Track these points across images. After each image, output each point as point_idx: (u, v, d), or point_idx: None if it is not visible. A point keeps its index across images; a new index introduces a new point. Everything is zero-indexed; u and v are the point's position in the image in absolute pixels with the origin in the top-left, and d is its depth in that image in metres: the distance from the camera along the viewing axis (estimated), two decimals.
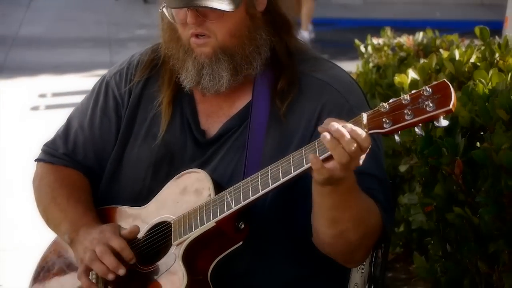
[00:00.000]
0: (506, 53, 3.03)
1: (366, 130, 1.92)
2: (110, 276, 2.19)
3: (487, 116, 2.59)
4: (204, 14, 2.22)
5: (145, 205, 2.33)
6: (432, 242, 2.94)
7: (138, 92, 2.44)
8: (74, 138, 2.48)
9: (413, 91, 1.90)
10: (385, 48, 4.53)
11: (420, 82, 3.10)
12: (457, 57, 3.18)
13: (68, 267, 2.40)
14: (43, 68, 9.69)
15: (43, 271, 2.45)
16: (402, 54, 4.24)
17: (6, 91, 8.62)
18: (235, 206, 2.10)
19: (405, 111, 1.88)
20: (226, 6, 2.19)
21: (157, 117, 2.39)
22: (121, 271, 2.19)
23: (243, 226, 2.15)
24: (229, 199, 2.11)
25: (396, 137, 1.93)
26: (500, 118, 2.55)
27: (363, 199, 2.13)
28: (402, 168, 3.32)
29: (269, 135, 2.28)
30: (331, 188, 2.01)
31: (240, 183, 2.11)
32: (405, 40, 4.38)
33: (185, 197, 2.24)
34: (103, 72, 2.62)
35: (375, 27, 6.09)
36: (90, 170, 2.47)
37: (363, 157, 1.96)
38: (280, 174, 2.03)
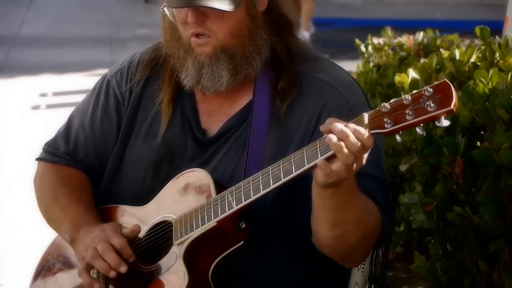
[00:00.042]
0: (506, 53, 3.03)
1: (367, 130, 1.92)
2: (112, 273, 2.19)
3: (488, 115, 2.59)
4: (204, 13, 2.22)
5: (146, 205, 2.33)
6: (432, 241, 2.94)
7: (139, 91, 2.44)
8: (75, 137, 2.49)
9: (414, 91, 1.90)
10: (386, 47, 4.53)
11: (420, 82, 3.10)
12: (458, 56, 3.18)
13: (69, 266, 2.40)
14: (44, 67, 9.70)
15: (44, 270, 2.45)
16: (403, 53, 4.24)
17: (7, 90, 8.63)
18: (236, 206, 2.10)
19: (406, 111, 1.88)
20: (226, 6, 2.20)
21: (158, 116, 2.40)
22: (123, 269, 2.19)
23: (244, 225, 2.15)
24: (230, 199, 2.11)
25: (398, 137, 1.93)
26: (500, 118, 2.55)
27: (363, 200, 2.14)
28: (403, 168, 3.32)
29: (269, 135, 2.28)
30: (332, 191, 2.01)
31: (241, 182, 2.11)
32: (405, 39, 4.38)
33: (186, 197, 2.24)
34: (104, 71, 2.62)
35: (376, 27, 6.09)
36: (91, 169, 2.47)
37: (365, 156, 1.96)
38: (281, 174, 2.03)
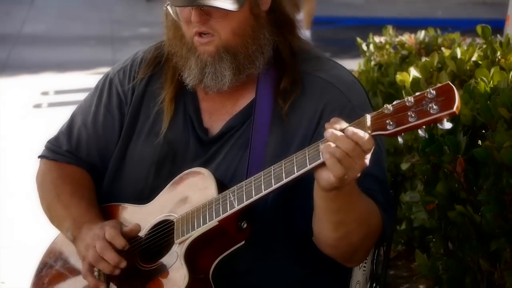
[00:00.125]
0: (508, 51, 3.03)
1: (369, 131, 1.92)
2: (116, 272, 2.20)
3: (489, 114, 2.59)
4: (208, 12, 2.22)
5: (148, 203, 2.33)
6: (433, 240, 2.94)
7: (141, 89, 2.44)
8: (78, 135, 2.49)
9: (417, 93, 1.89)
10: (387, 46, 4.53)
11: (421, 81, 3.10)
12: (459, 55, 3.18)
13: (70, 265, 2.40)
14: (46, 66, 9.70)
15: (45, 269, 2.45)
16: (404, 52, 4.24)
17: (8, 89, 8.64)
18: (238, 206, 2.10)
19: (408, 113, 1.87)
20: (230, 6, 2.20)
21: (160, 115, 2.40)
22: (123, 264, 2.19)
23: (245, 225, 2.15)
24: (232, 198, 2.11)
25: (399, 139, 1.92)
26: (501, 117, 2.55)
27: (365, 201, 2.14)
28: (404, 166, 3.32)
29: (271, 134, 2.28)
30: (335, 193, 2.01)
31: (243, 182, 2.11)
32: (407, 38, 4.37)
33: (187, 196, 2.24)
34: (105, 70, 2.62)
35: (377, 26, 6.09)
36: (93, 167, 2.47)
37: (368, 157, 1.95)
38: (283, 174, 2.03)
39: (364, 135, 1.91)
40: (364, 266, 2.43)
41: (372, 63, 4.46)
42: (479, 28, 3.19)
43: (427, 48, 4.12)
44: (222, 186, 2.19)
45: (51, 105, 8.22)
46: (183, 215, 2.21)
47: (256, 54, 2.29)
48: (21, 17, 13.07)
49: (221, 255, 2.17)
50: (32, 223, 4.46)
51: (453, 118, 1.86)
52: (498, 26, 4.98)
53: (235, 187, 2.12)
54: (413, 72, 3.18)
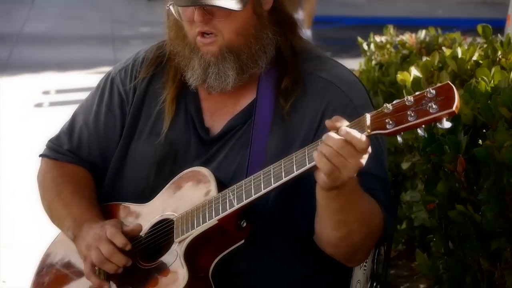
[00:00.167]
0: (509, 51, 3.02)
1: (369, 131, 1.92)
2: (120, 270, 2.22)
3: (490, 114, 2.59)
4: (211, 12, 2.22)
5: (148, 202, 2.33)
6: (434, 239, 2.93)
7: (143, 89, 2.44)
8: (79, 135, 2.49)
9: (417, 93, 1.90)
10: (388, 46, 4.53)
11: (422, 80, 3.10)
12: (460, 55, 3.18)
13: (71, 264, 2.40)
14: (47, 65, 9.70)
15: (46, 268, 2.46)
16: (405, 52, 4.24)
17: (9, 88, 8.64)
18: (237, 204, 2.10)
19: (408, 112, 1.88)
20: (234, 5, 2.20)
21: (161, 114, 2.40)
22: (128, 264, 2.21)
23: (245, 224, 2.15)
24: (231, 197, 2.12)
25: (399, 138, 1.93)
26: (502, 116, 2.55)
27: (366, 200, 2.14)
28: (405, 166, 3.32)
29: (272, 134, 2.28)
30: (336, 192, 2.02)
31: (243, 181, 2.12)
32: (407, 38, 4.37)
33: (187, 195, 2.24)
34: (106, 69, 2.62)
35: (378, 25, 6.10)
36: (94, 166, 2.48)
37: (365, 157, 1.96)
38: (283, 173, 2.03)
39: (358, 134, 1.92)
40: (365, 266, 2.43)
41: (373, 62, 4.46)
42: (479, 28, 3.19)
43: (428, 48, 4.12)
44: (222, 185, 2.20)
45: (52, 104, 8.22)
46: (183, 214, 2.21)
47: (259, 53, 2.29)
48: (22, 17, 13.08)
49: (221, 254, 2.18)
50: (32, 222, 4.47)
51: (453, 117, 1.87)
52: (498, 26, 4.98)
53: (234, 186, 2.13)
54: (414, 71, 3.18)
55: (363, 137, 1.92)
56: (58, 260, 2.44)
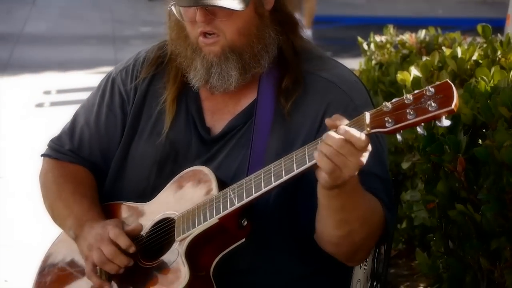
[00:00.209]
0: (508, 50, 3.03)
1: (368, 129, 1.93)
2: (121, 271, 2.22)
3: (489, 113, 2.59)
4: (213, 12, 2.22)
5: (149, 202, 2.34)
6: (434, 238, 2.93)
7: (144, 89, 2.45)
8: (80, 135, 2.50)
9: (416, 91, 1.90)
10: (388, 45, 4.53)
11: (422, 80, 3.10)
12: (459, 54, 3.18)
13: (72, 264, 2.41)
14: (48, 65, 9.71)
15: (48, 267, 2.46)
16: (405, 51, 4.25)
17: (10, 88, 8.64)
18: (238, 203, 2.11)
19: (407, 111, 1.88)
20: (236, 5, 2.20)
21: (162, 114, 2.40)
22: (130, 264, 2.21)
23: (245, 223, 2.16)
24: (232, 196, 2.12)
25: (398, 136, 1.93)
26: (502, 116, 2.55)
27: (368, 199, 2.15)
28: (405, 165, 3.31)
29: (273, 133, 2.28)
30: (337, 191, 2.02)
31: (243, 180, 2.12)
32: (407, 37, 4.38)
33: (188, 194, 2.25)
34: (107, 69, 2.63)
35: (378, 25, 6.10)
36: (95, 166, 2.48)
37: (365, 155, 1.96)
38: (283, 172, 2.04)
39: (357, 133, 1.92)
40: (365, 265, 2.43)
41: (373, 62, 4.47)
42: (479, 27, 3.20)
43: (428, 47, 4.12)
44: (223, 184, 2.20)
45: (52, 104, 8.23)
46: (183, 213, 2.22)
47: (261, 53, 2.29)
48: (23, 17, 13.08)
49: (222, 253, 2.18)
50: (34, 222, 4.48)
51: (453, 117, 1.87)
52: (498, 25, 4.98)
53: (235, 184, 2.13)
54: (414, 71, 3.18)
55: (362, 135, 1.93)
56: (60, 260, 2.44)
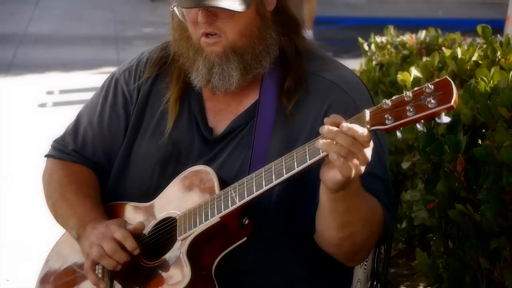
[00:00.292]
0: (508, 51, 3.03)
1: (368, 126, 1.93)
2: (118, 268, 2.22)
3: (489, 114, 2.59)
4: (215, 13, 2.23)
5: (151, 201, 2.35)
6: (434, 238, 2.93)
7: (147, 89, 2.46)
8: (83, 135, 2.51)
9: (416, 88, 1.90)
10: (388, 46, 4.54)
11: (422, 80, 3.11)
12: (459, 55, 3.19)
13: (75, 264, 2.41)
14: (51, 65, 9.72)
15: (50, 267, 2.47)
16: (405, 52, 4.25)
17: (13, 88, 8.66)
18: (239, 202, 2.11)
19: (407, 108, 1.88)
20: (237, 6, 2.21)
21: (165, 114, 2.41)
22: (128, 259, 2.21)
23: (247, 221, 2.16)
24: (233, 195, 2.12)
25: (398, 134, 1.92)
26: (501, 116, 2.55)
27: (369, 200, 2.15)
28: (405, 165, 3.32)
29: (275, 134, 2.29)
30: (343, 193, 2.01)
31: (245, 179, 2.12)
32: (408, 38, 4.39)
33: (190, 193, 2.25)
34: (110, 69, 2.65)
35: (379, 26, 6.11)
36: (98, 166, 2.49)
37: (368, 151, 1.95)
38: (284, 170, 2.04)
39: (359, 128, 1.91)
40: (365, 265, 2.44)
41: (374, 62, 4.48)
42: (479, 28, 3.20)
43: (428, 48, 4.13)
44: (224, 184, 2.20)
45: (55, 104, 8.23)
46: (185, 212, 2.22)
47: (263, 54, 2.30)
48: (26, 17, 13.09)
49: (224, 252, 2.19)
50: (36, 222, 4.49)
51: (453, 117, 1.87)
52: (498, 26, 5.00)
53: (236, 183, 2.14)
54: (414, 71, 3.19)
55: (364, 129, 1.92)
56: (63, 260, 2.45)
